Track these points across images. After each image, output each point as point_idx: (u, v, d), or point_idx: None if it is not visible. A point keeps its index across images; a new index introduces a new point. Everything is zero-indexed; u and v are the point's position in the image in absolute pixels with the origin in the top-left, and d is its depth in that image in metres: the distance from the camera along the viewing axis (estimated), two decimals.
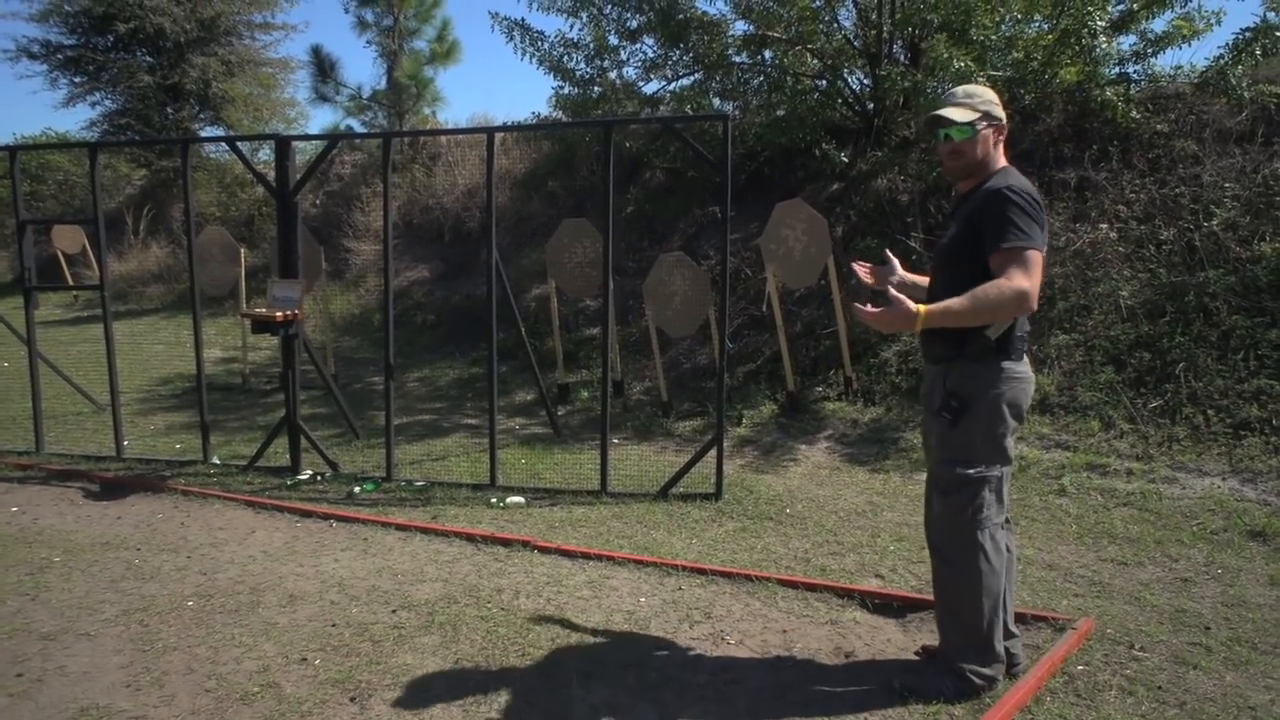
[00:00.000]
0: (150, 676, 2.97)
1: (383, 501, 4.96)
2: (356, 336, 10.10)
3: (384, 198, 5.34)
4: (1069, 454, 5.01)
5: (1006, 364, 2.59)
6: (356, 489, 5.14)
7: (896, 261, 2.99)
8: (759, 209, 7.95)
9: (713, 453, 4.83)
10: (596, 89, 8.29)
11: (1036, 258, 2.48)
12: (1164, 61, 8.35)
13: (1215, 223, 5.80)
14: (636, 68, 8.46)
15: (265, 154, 15.37)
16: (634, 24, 8.20)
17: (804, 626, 3.26)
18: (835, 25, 7.82)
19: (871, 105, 8.06)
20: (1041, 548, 4.02)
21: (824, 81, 8.15)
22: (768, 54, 8.12)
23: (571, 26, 8.35)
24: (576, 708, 2.74)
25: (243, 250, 8.27)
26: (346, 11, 13.09)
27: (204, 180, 14.92)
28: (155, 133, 15.28)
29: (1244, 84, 6.23)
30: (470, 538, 4.26)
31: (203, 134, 16.06)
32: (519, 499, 4.91)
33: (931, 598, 3.24)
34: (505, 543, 4.17)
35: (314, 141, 8.15)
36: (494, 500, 4.88)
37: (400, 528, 4.43)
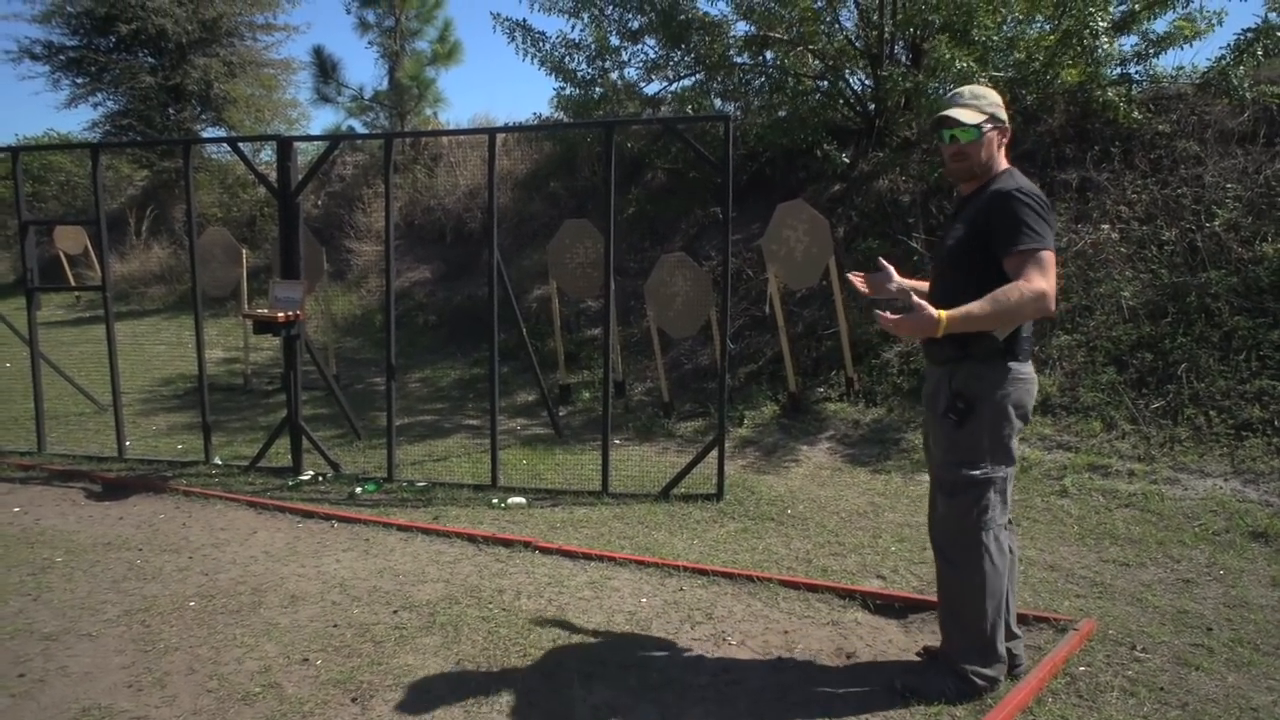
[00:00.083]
0: (152, 677, 2.97)
1: (384, 502, 4.96)
2: (358, 337, 10.10)
3: (386, 198, 5.35)
4: (1071, 455, 5.01)
5: (1013, 365, 2.59)
6: (358, 490, 5.14)
7: (892, 269, 2.97)
8: (760, 210, 7.95)
9: (714, 453, 4.83)
10: (598, 90, 8.29)
11: (1051, 259, 2.48)
12: (1165, 62, 8.33)
13: (1217, 223, 5.80)
14: (638, 68, 8.49)
15: (267, 155, 15.40)
16: (635, 25, 8.21)
17: (805, 627, 3.26)
18: (837, 26, 7.82)
19: (873, 106, 8.06)
20: (1043, 548, 4.02)
21: (825, 82, 8.16)
22: (769, 55, 8.12)
23: (573, 27, 8.40)
24: (578, 708, 2.74)
25: (244, 251, 8.28)
26: (348, 12, 13.15)
27: (206, 181, 14.94)
28: (157, 134, 15.29)
29: (1246, 84, 6.23)
30: (472, 538, 4.26)
31: (204, 135, 16.08)
32: (520, 500, 4.91)
33: (933, 598, 3.25)
34: (507, 543, 4.17)
35: (316, 142, 8.14)
36: (495, 501, 4.89)
37: (402, 528, 4.44)
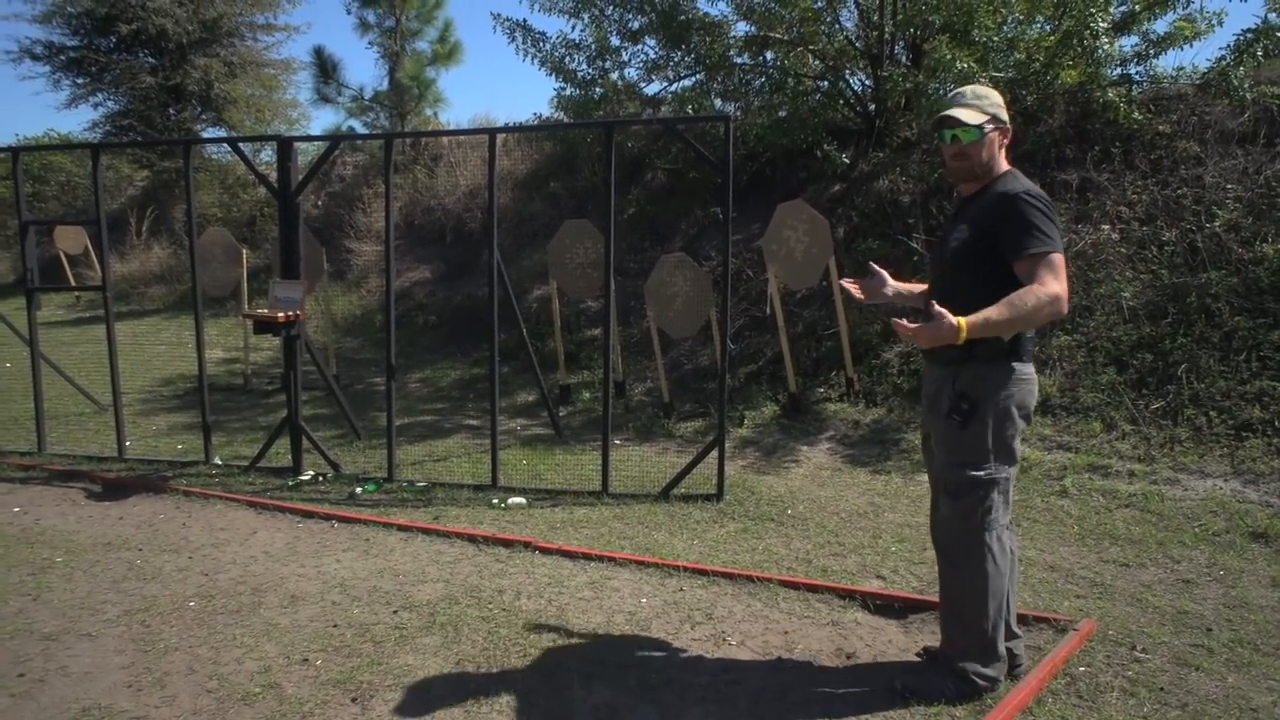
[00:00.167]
0: (152, 677, 2.97)
1: (384, 502, 4.96)
2: (358, 337, 10.10)
3: (386, 198, 5.35)
4: (1071, 455, 5.01)
5: (1016, 365, 2.60)
6: (358, 490, 5.14)
7: (885, 273, 2.97)
8: (760, 210, 7.95)
9: (714, 454, 4.83)
10: (598, 90, 8.30)
11: (1062, 262, 2.49)
12: (1166, 62, 8.34)
13: (1217, 224, 5.80)
14: (638, 69, 8.49)
15: (267, 155, 15.39)
16: (635, 25, 8.22)
17: (805, 627, 3.26)
18: (837, 26, 7.82)
19: (873, 106, 8.06)
20: (1043, 549, 4.02)
21: (825, 82, 8.16)
22: (769, 55, 8.13)
23: (573, 28, 8.41)
24: (578, 708, 2.74)
25: (244, 251, 8.28)
26: (348, 13, 13.15)
27: (206, 181, 14.94)
28: (157, 134, 15.29)
29: (1246, 85, 6.23)
30: (472, 538, 4.26)
31: (205, 135, 16.09)
32: (520, 500, 4.91)
33: (933, 599, 3.25)
34: (507, 543, 4.17)
35: (316, 142, 8.15)
36: (495, 501, 4.89)
37: (402, 528, 4.44)
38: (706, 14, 8.01)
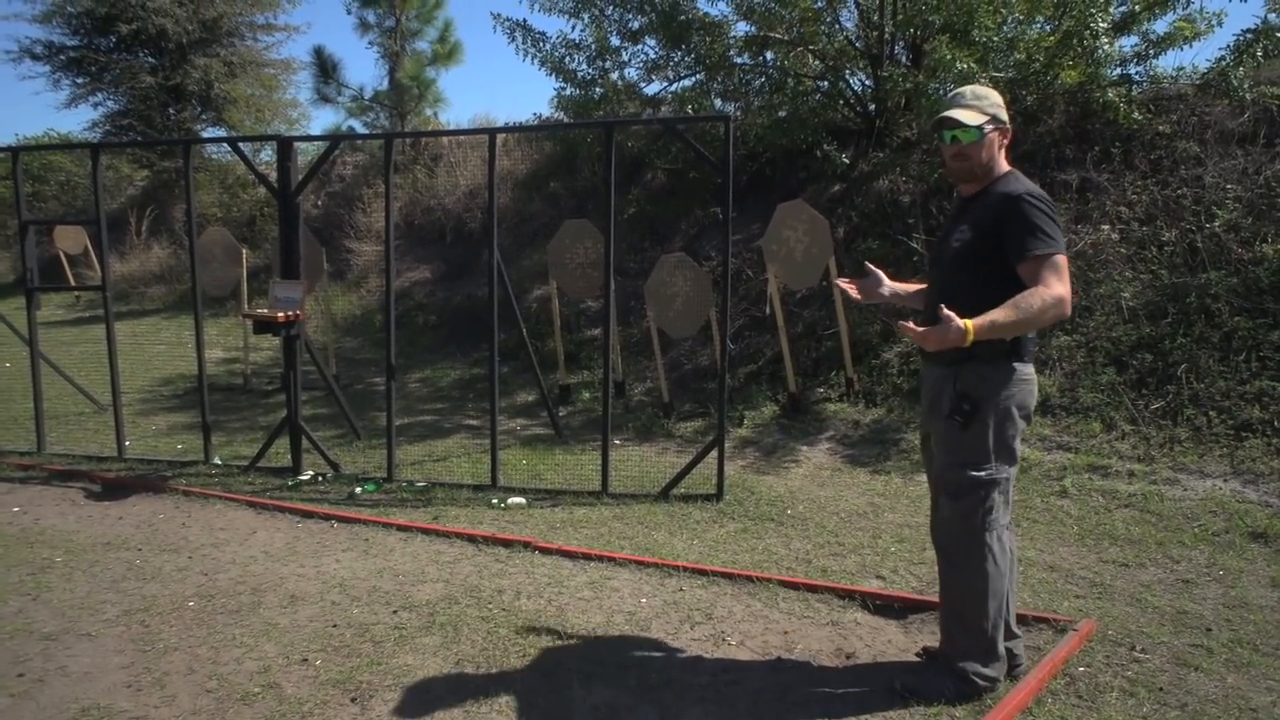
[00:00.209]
0: (151, 677, 2.97)
1: (384, 502, 4.96)
2: (358, 337, 10.10)
3: (386, 198, 5.35)
4: (1070, 455, 5.01)
5: (1017, 366, 2.60)
6: (358, 489, 5.14)
7: (881, 273, 2.97)
8: (760, 210, 7.95)
9: (714, 454, 4.83)
10: (598, 90, 8.29)
11: (1065, 263, 2.50)
12: (1165, 63, 8.34)
13: (1217, 224, 5.80)
14: (638, 69, 8.49)
15: (267, 155, 15.39)
16: (635, 25, 8.22)
17: (805, 628, 3.26)
18: (837, 26, 7.82)
19: (873, 106, 8.06)
20: (1043, 549, 4.02)
21: (825, 82, 8.16)
22: (769, 55, 8.13)
23: (573, 28, 8.40)
24: (577, 708, 2.74)
25: (244, 251, 8.28)
26: (348, 13, 13.15)
27: (206, 181, 14.93)
28: (157, 134, 15.29)
29: (1245, 85, 6.23)
30: (471, 538, 4.26)
31: (205, 135, 16.08)
32: (520, 500, 4.91)
33: (932, 599, 3.25)
34: (506, 543, 4.17)
35: (316, 142, 8.14)
36: (495, 501, 4.89)
37: (401, 528, 4.44)
38: (706, 14, 8.01)
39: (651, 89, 8.62)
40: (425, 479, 5.33)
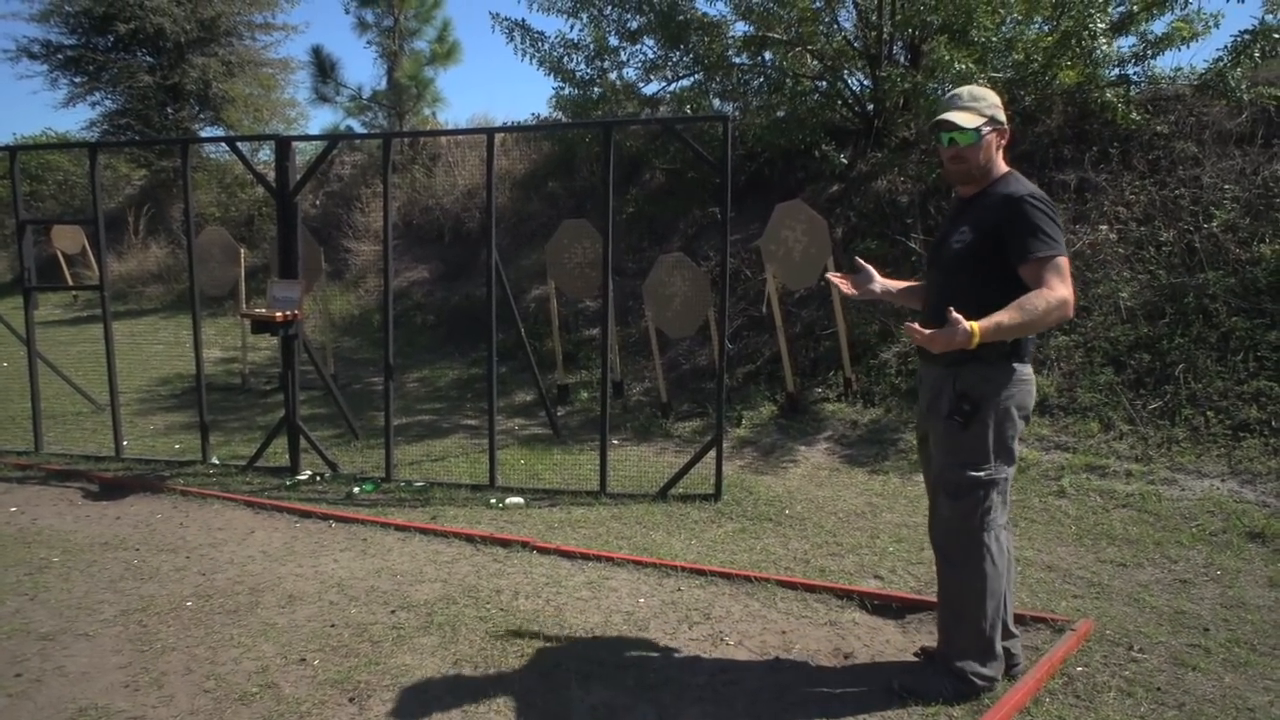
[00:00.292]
0: (149, 677, 2.97)
1: (382, 502, 4.96)
2: (356, 337, 10.10)
3: (384, 198, 5.35)
4: (1068, 455, 5.01)
5: (1017, 366, 2.61)
6: (356, 489, 5.14)
7: (871, 269, 2.97)
8: (759, 210, 7.95)
9: (712, 454, 4.83)
10: (596, 90, 8.29)
11: (1067, 265, 2.51)
12: (1163, 63, 8.35)
13: (1215, 224, 5.81)
14: (637, 69, 8.48)
15: (265, 154, 15.36)
16: (634, 25, 8.21)
17: (803, 627, 3.26)
18: (835, 26, 7.82)
19: (871, 106, 8.07)
20: (1041, 549, 4.02)
21: (824, 83, 8.16)
22: (768, 55, 8.12)
23: (572, 27, 8.37)
24: (575, 708, 2.74)
25: (242, 250, 8.27)
26: (347, 12, 13.10)
27: (204, 180, 14.92)
28: (155, 133, 15.28)
29: (1243, 86, 6.24)
30: (469, 538, 4.26)
31: (203, 134, 16.07)
32: (518, 500, 4.91)
33: (930, 599, 3.26)
34: (504, 543, 4.17)
35: (314, 142, 8.15)
36: (493, 501, 4.88)
37: (399, 528, 4.43)
38: (705, 14, 8.01)
39: (650, 89, 8.63)
40: (423, 479, 5.33)
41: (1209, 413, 4.96)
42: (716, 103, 8.41)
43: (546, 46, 8.32)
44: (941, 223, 3.01)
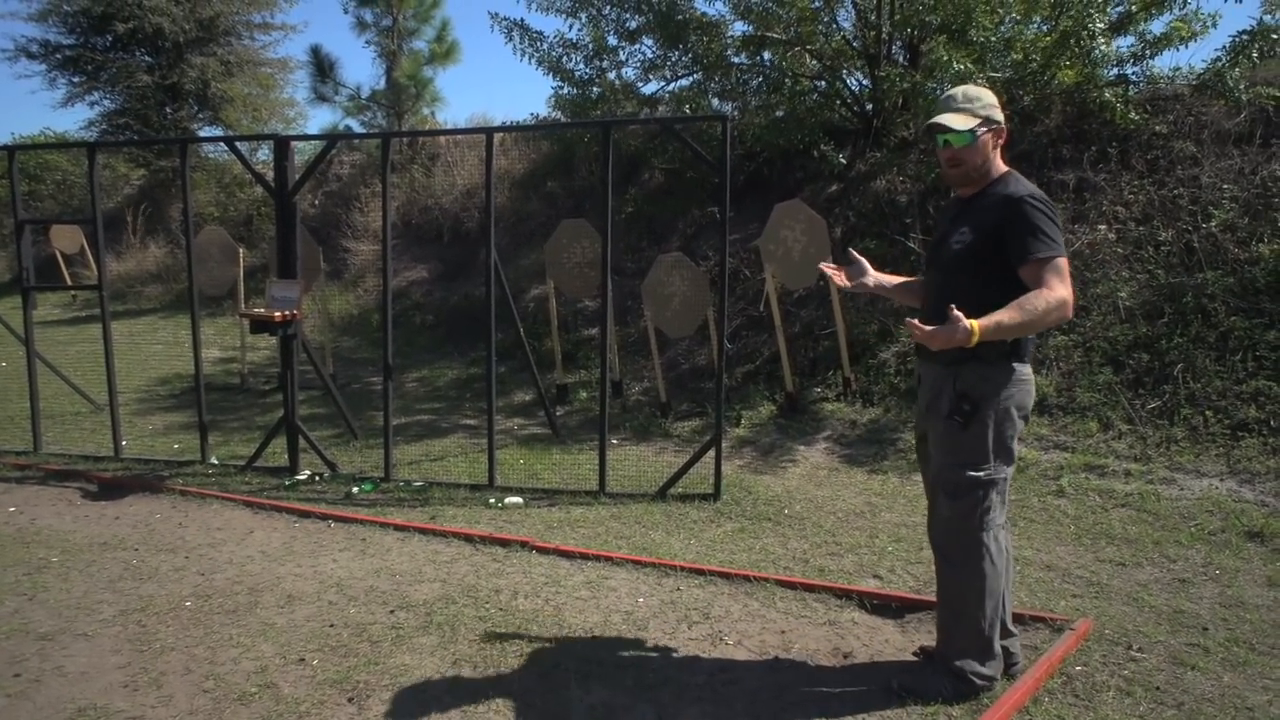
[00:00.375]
0: (148, 677, 2.97)
1: (381, 502, 4.95)
2: (355, 337, 10.09)
3: (383, 198, 5.34)
4: (1067, 455, 5.02)
5: (1017, 366, 2.61)
6: (355, 489, 5.13)
7: (865, 261, 2.98)
8: (758, 209, 7.96)
9: (711, 453, 4.83)
10: (595, 89, 8.29)
11: (1067, 265, 2.52)
12: (1162, 63, 8.37)
13: (1214, 224, 5.81)
14: (635, 68, 8.48)
15: (264, 154, 15.33)
16: (633, 25, 8.21)
17: (802, 627, 3.26)
18: (834, 26, 7.82)
19: (870, 106, 8.07)
20: (1040, 548, 4.02)
21: (823, 82, 8.16)
22: (767, 55, 8.12)
23: (570, 27, 8.36)
24: (575, 708, 2.74)
25: (241, 250, 8.27)
26: (345, 12, 13.10)
27: (203, 180, 14.90)
28: (154, 133, 15.26)
29: (1241, 86, 6.24)
30: (468, 538, 4.25)
31: (201, 134, 16.04)
32: (517, 499, 4.91)
33: (929, 598, 3.26)
34: (503, 543, 4.17)
35: (313, 142, 8.15)
36: (492, 501, 4.88)
37: (398, 528, 4.43)
38: (704, 14, 8.01)
39: (649, 88, 8.63)
40: (422, 479, 5.33)
41: (1208, 412, 4.96)
42: (715, 102, 8.41)
43: (545, 46, 8.32)
44: (938, 222, 3.01)
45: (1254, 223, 5.74)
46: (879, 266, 3.07)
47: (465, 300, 9.90)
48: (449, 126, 13.72)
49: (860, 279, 2.96)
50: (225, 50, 15.94)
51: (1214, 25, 6.70)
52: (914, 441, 3.26)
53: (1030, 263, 2.49)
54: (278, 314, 5.20)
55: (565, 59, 8.32)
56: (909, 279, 3.05)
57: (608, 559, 3.93)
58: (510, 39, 8.35)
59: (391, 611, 3.45)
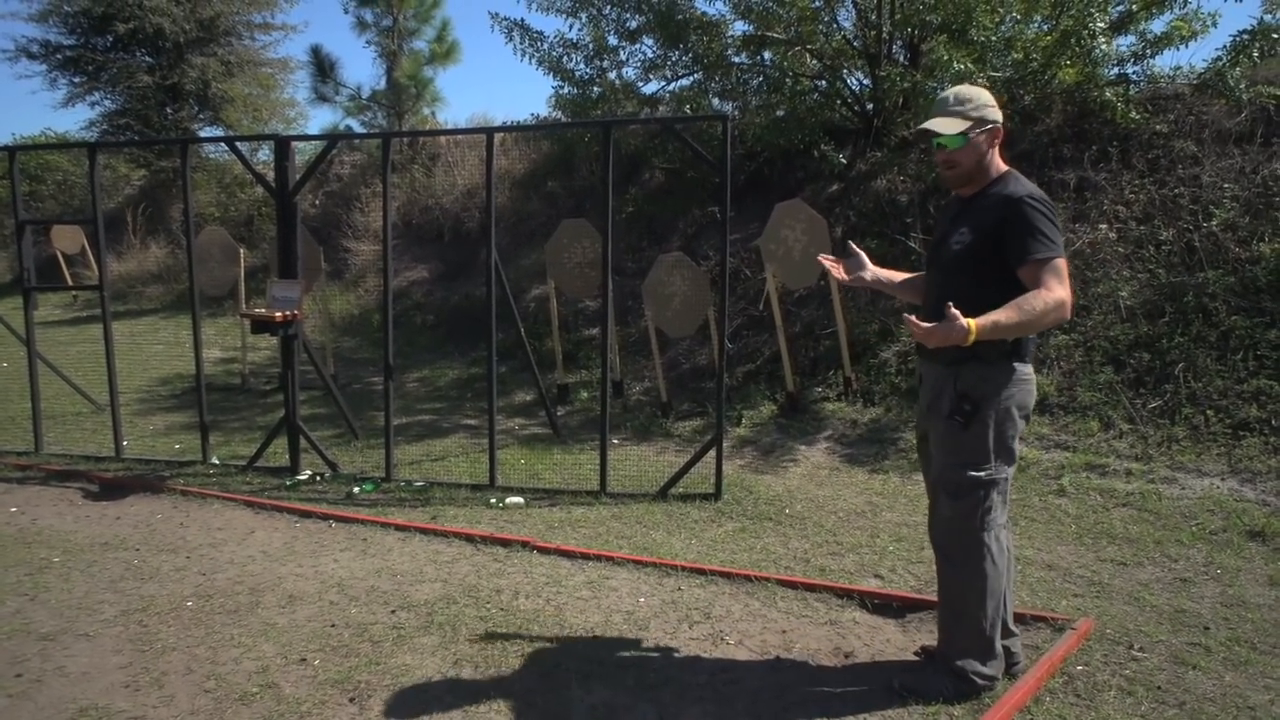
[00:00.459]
0: (149, 677, 2.97)
1: (382, 502, 4.96)
2: (356, 337, 10.10)
3: (383, 198, 5.34)
4: (1068, 454, 5.02)
5: (1017, 366, 2.61)
6: (356, 489, 5.13)
7: (863, 255, 2.97)
8: (758, 209, 7.95)
9: (712, 453, 4.83)
10: (596, 89, 8.29)
11: (1065, 266, 2.51)
12: (1163, 62, 8.37)
13: (1214, 223, 5.81)
14: (636, 68, 8.48)
15: (264, 154, 15.34)
16: (633, 24, 8.21)
17: (803, 627, 3.26)
18: (835, 26, 7.82)
19: (871, 106, 8.06)
20: (1041, 548, 4.02)
21: (823, 82, 8.16)
22: (767, 54, 8.12)
23: (571, 27, 8.36)
24: (575, 708, 2.74)
25: (242, 250, 8.27)
26: (346, 12, 13.10)
27: (203, 181, 14.91)
28: (154, 133, 15.26)
29: (1242, 85, 6.24)
30: (469, 538, 4.26)
31: (202, 134, 16.04)
32: (518, 499, 4.91)
33: (931, 598, 3.26)
34: (504, 543, 4.17)
35: (313, 142, 8.14)
36: (493, 501, 4.88)
37: (399, 528, 4.43)
38: (704, 13, 8.00)
39: (649, 88, 8.62)
40: (423, 479, 5.33)
41: (1209, 411, 4.96)
42: (716, 102, 8.41)
43: (545, 46, 8.32)
44: (939, 222, 3.00)
45: (1255, 222, 5.74)
46: (880, 265, 3.06)
47: (466, 300, 9.90)
48: (449, 126, 13.73)
49: (858, 273, 2.95)
50: (226, 50, 15.94)
51: (1214, 25, 6.69)
52: (915, 441, 3.26)
53: (1029, 263, 2.49)
54: (279, 314, 5.20)
55: (565, 59, 8.31)
56: (911, 275, 3.04)
57: (609, 559, 3.93)
58: (510, 39, 8.35)
59: (393, 611, 3.45)
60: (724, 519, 4.51)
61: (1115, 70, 7.04)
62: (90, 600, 3.62)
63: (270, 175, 5.59)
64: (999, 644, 2.71)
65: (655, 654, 3.08)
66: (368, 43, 13.09)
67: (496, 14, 8.38)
